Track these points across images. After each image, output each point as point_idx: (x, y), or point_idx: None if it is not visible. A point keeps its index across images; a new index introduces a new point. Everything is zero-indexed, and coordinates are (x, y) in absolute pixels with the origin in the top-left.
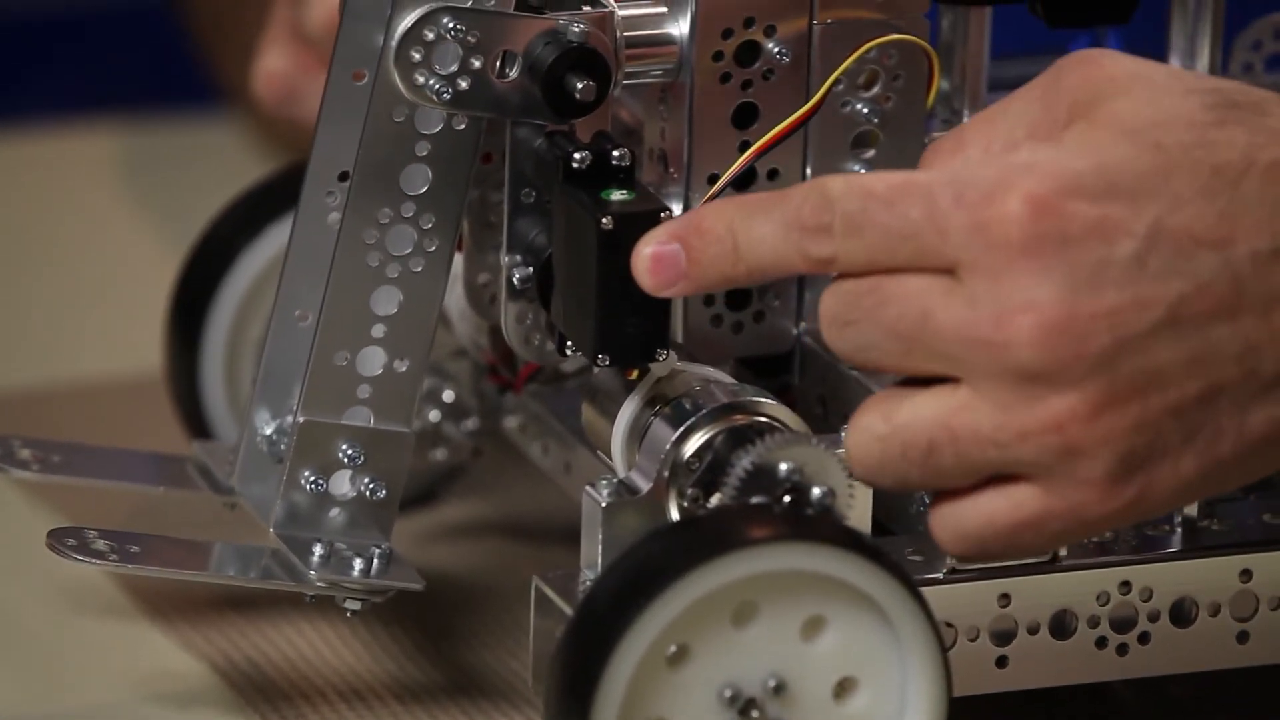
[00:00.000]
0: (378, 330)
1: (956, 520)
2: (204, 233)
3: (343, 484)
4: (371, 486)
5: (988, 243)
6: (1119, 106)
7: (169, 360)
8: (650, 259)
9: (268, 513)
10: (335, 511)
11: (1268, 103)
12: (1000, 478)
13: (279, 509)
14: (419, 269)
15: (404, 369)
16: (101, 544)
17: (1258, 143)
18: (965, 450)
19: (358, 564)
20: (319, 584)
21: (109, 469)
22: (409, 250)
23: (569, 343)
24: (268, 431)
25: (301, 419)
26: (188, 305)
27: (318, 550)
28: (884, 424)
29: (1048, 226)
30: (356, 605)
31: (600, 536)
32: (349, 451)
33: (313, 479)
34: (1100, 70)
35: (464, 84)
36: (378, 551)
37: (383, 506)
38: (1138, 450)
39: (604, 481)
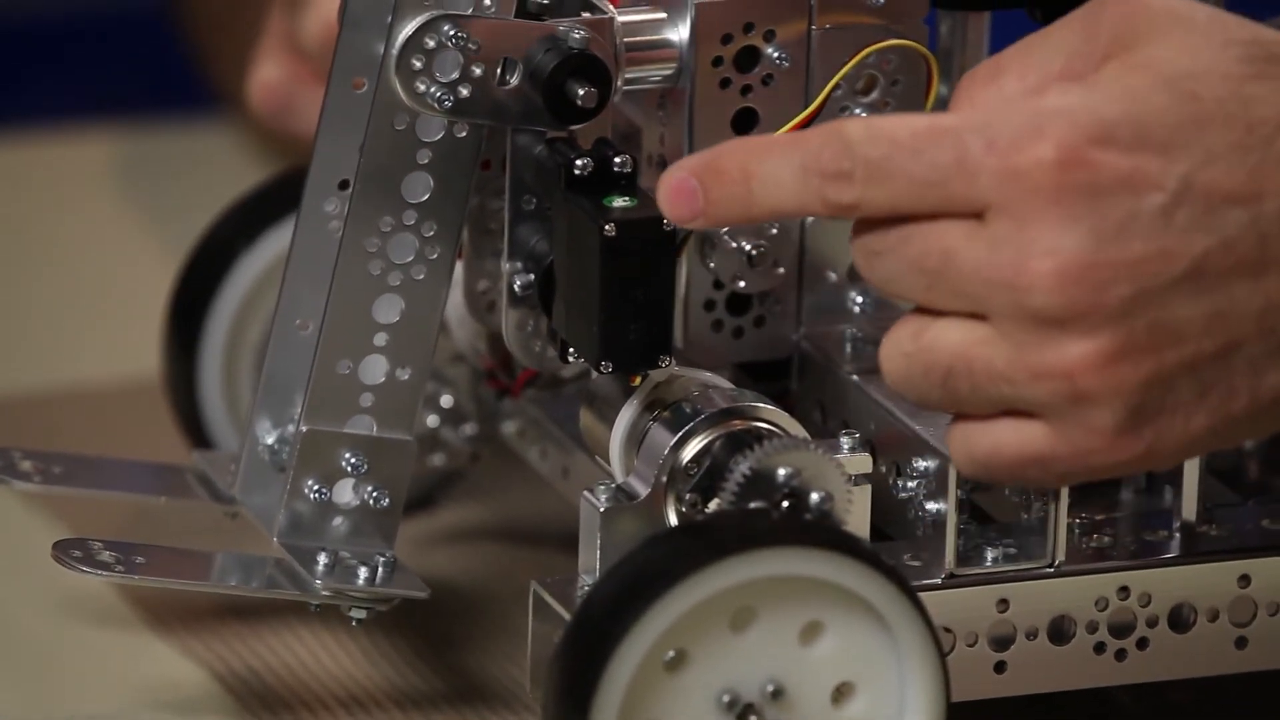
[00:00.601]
0: (380, 339)
1: (967, 442)
2: (202, 237)
3: (346, 492)
4: (375, 495)
5: (1019, 189)
6: (1156, 51)
7: (167, 365)
8: (671, 191)
9: (270, 522)
10: (339, 520)
11: None
12: (1016, 411)
13: (282, 518)
14: (421, 277)
15: (406, 377)
16: (106, 555)
17: None
18: (980, 383)
19: (363, 572)
20: (324, 593)
21: (109, 479)
22: (411, 258)
23: (571, 349)
24: (269, 441)
25: (304, 428)
26: (186, 310)
27: (322, 559)
28: (911, 342)
29: (1078, 176)
30: (362, 614)
31: (598, 541)
32: (352, 460)
33: (316, 488)
34: (1142, 5)
35: (465, 91)
36: (382, 560)
37: (386, 515)
38: (1149, 404)
39: (602, 486)
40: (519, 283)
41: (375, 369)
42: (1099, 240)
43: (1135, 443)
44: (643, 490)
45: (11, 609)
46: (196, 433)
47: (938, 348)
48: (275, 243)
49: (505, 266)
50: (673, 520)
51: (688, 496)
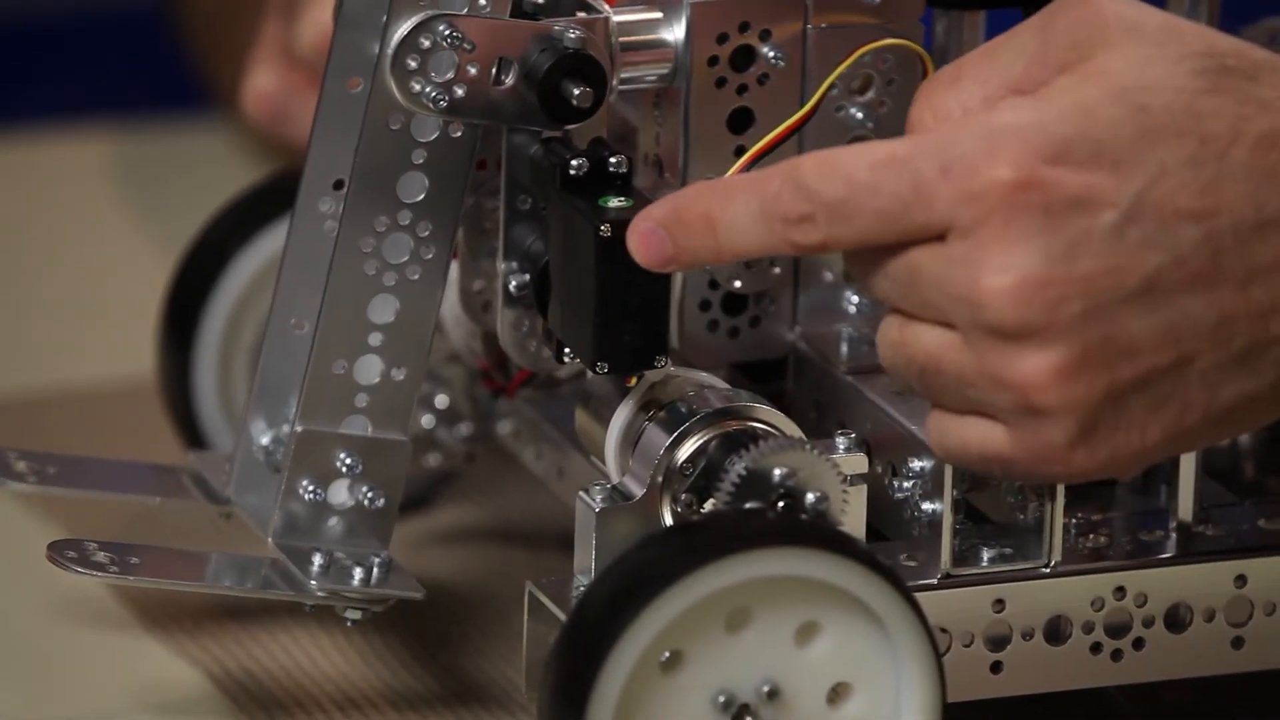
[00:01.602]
0: (375, 339)
1: (940, 431)
2: (197, 238)
3: (341, 493)
4: (370, 495)
5: (974, 210)
6: (1109, 62)
7: (162, 366)
8: (640, 238)
9: (265, 522)
10: (333, 521)
11: (1261, 69)
12: (984, 411)
13: (277, 519)
14: (416, 277)
15: (401, 377)
16: (101, 556)
17: (1246, 114)
18: (949, 384)
19: (357, 573)
20: (319, 593)
21: (104, 480)
22: (406, 258)
23: (566, 350)
24: (264, 441)
25: (299, 428)
26: (181, 310)
27: (317, 560)
28: (897, 332)
29: (1031, 196)
30: (356, 615)
31: (594, 542)
32: (347, 460)
33: (311, 488)
34: (1097, 12)
35: (460, 91)
36: (377, 560)
37: (381, 515)
38: (1103, 420)
39: (597, 487)
40: (514, 283)
41: (370, 369)
42: (1050, 258)
43: (1090, 456)
44: (638, 490)
45: (7, 610)
46: (192, 433)
47: (914, 345)
48: (270, 243)
49: (500, 266)
50: (668, 520)
51: (683, 497)
